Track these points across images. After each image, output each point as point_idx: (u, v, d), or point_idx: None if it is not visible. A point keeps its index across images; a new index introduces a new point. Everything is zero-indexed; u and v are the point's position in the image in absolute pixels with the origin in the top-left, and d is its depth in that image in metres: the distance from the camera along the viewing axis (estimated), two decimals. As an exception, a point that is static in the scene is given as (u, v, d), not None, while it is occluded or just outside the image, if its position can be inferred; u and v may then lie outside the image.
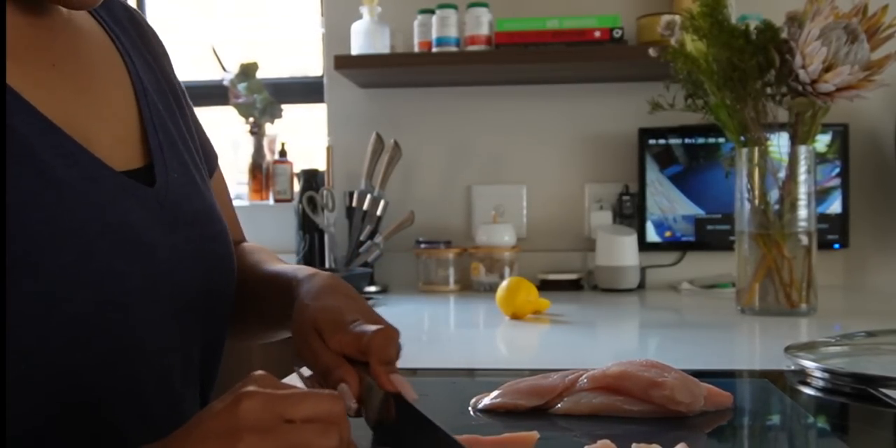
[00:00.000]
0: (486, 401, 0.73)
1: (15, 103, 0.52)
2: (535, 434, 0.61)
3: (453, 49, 1.81)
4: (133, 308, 0.56)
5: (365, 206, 1.89)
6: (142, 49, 0.71)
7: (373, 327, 0.59)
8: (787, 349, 0.94)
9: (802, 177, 1.41)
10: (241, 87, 2.10)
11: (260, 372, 0.47)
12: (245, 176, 2.13)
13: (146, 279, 0.58)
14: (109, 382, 0.55)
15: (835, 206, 1.84)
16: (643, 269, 1.89)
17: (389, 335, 0.59)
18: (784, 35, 1.38)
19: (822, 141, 1.82)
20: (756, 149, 1.42)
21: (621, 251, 1.82)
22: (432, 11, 1.84)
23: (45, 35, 0.59)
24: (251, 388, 0.45)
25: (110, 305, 0.54)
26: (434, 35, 1.82)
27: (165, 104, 0.69)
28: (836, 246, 1.84)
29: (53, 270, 0.50)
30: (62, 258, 0.51)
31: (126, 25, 0.70)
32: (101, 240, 0.54)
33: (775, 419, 0.75)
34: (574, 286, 1.88)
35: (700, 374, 0.74)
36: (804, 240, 1.41)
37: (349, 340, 0.59)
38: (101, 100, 0.62)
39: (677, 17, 1.48)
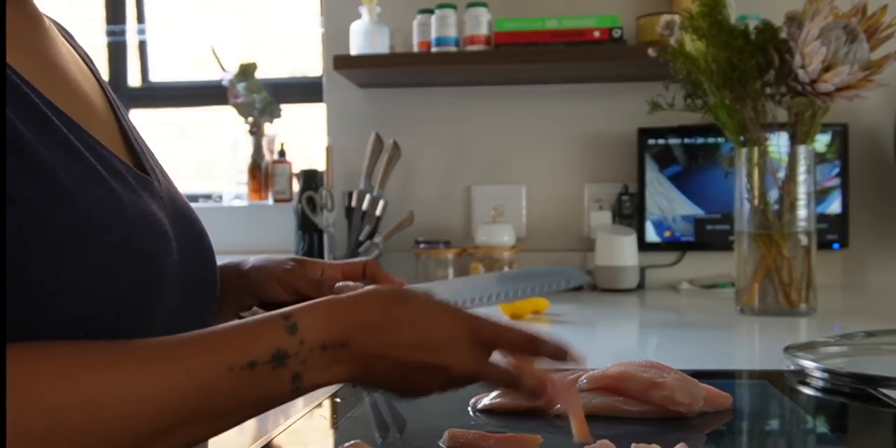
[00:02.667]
0: (486, 401, 0.74)
1: (40, 97, 0.54)
2: (537, 438, 0.61)
3: (453, 49, 1.81)
4: (165, 292, 0.59)
5: (364, 206, 1.89)
6: (94, 65, 0.74)
7: (360, 258, 0.80)
8: (787, 349, 0.94)
9: (802, 177, 1.41)
10: (241, 86, 2.10)
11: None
12: (244, 176, 2.13)
13: (170, 265, 0.60)
14: None
15: (834, 206, 1.84)
16: (643, 269, 1.89)
17: (376, 261, 0.82)
18: (783, 35, 1.38)
19: (822, 141, 1.82)
20: (755, 149, 1.42)
21: (621, 251, 1.82)
22: (431, 11, 1.83)
23: (38, 38, 0.61)
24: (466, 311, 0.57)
25: (150, 287, 0.57)
26: (433, 35, 1.82)
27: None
28: (836, 246, 1.84)
29: (102, 248, 0.52)
30: (110, 237, 0.53)
31: (77, 43, 0.73)
32: (138, 224, 0.57)
33: (775, 420, 0.75)
34: (574, 286, 1.88)
35: (699, 375, 0.74)
36: (804, 240, 1.41)
37: (340, 267, 0.78)
38: (92, 103, 0.64)
39: (677, 17, 1.48)
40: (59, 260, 0.49)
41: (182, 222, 0.67)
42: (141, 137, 0.72)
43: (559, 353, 0.58)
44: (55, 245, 0.49)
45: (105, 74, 2.08)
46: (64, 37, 0.69)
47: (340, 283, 0.73)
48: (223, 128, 2.28)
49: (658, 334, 1.32)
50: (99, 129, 0.62)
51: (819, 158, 1.79)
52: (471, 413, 0.73)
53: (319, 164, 2.00)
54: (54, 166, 0.51)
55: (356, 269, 0.79)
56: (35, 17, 0.62)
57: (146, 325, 0.57)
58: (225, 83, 2.13)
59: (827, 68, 1.30)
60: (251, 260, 0.80)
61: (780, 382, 0.86)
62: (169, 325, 0.61)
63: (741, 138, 1.45)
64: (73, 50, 0.69)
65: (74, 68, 0.65)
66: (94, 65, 0.73)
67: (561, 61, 1.77)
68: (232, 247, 2.04)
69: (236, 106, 2.11)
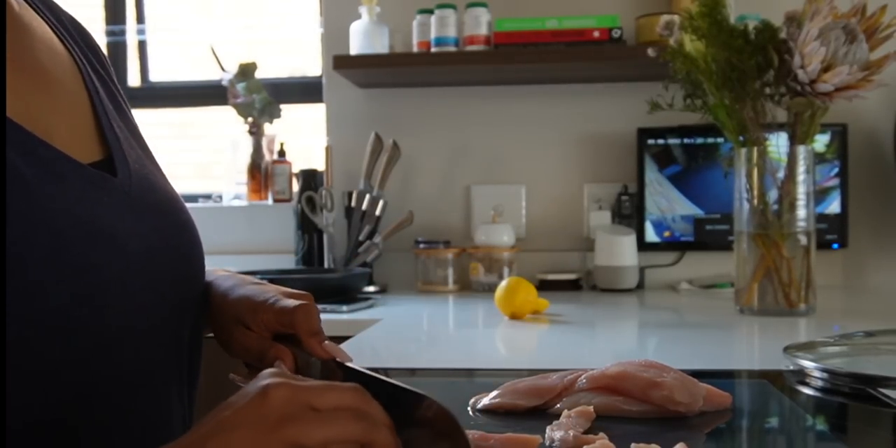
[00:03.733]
0: (486, 401, 0.73)
1: None
2: (537, 438, 0.61)
3: (452, 49, 1.81)
4: (110, 301, 0.56)
5: (364, 206, 1.89)
6: (85, 50, 0.71)
7: (292, 302, 0.64)
8: (786, 349, 0.94)
9: (801, 177, 1.41)
10: (240, 86, 2.10)
11: (273, 369, 0.49)
12: (244, 176, 2.13)
13: (120, 271, 0.57)
14: (91, 379, 0.55)
15: (833, 206, 1.84)
16: (642, 269, 1.89)
17: (308, 308, 0.63)
18: (783, 35, 1.38)
19: (821, 141, 1.83)
20: (755, 149, 1.42)
21: (620, 251, 1.82)
22: (431, 11, 1.84)
23: (5, 24, 0.58)
24: (274, 379, 0.46)
25: (87, 299, 0.54)
26: (433, 35, 1.82)
27: (113, 102, 0.70)
28: (835, 246, 1.84)
29: (28, 264, 0.50)
30: (35, 252, 0.51)
31: (69, 27, 0.71)
32: (73, 232, 0.54)
33: (774, 419, 0.75)
34: (573, 286, 1.88)
35: (699, 375, 0.74)
36: (803, 240, 1.41)
37: (272, 317, 0.64)
38: (57, 94, 0.62)
39: (676, 17, 1.48)
40: None
41: (153, 217, 0.64)
42: (128, 123, 0.69)
43: None
44: None
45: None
46: (44, 15, 0.66)
47: (276, 364, 0.62)
48: (223, 128, 2.28)
49: (658, 334, 1.32)
50: (61, 120, 0.60)
51: (818, 158, 1.79)
52: (471, 413, 0.73)
53: (319, 164, 2.00)
54: None
55: (288, 321, 0.63)
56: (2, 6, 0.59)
57: (89, 340, 0.54)
58: (225, 83, 2.13)
59: (826, 68, 1.30)
60: (212, 296, 0.71)
61: (779, 382, 0.86)
62: (134, 331, 0.59)
63: (741, 138, 1.45)
64: (50, 31, 0.65)
65: (41, 54, 0.62)
66: (76, 45, 0.69)
67: (561, 61, 1.77)
68: (232, 247, 2.04)
69: (236, 106, 2.11)
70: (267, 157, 2.12)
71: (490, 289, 1.75)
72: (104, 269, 0.56)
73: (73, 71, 0.66)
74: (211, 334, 0.74)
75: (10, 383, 0.49)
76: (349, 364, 0.60)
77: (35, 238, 0.51)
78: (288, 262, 1.97)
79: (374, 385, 0.52)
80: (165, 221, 0.66)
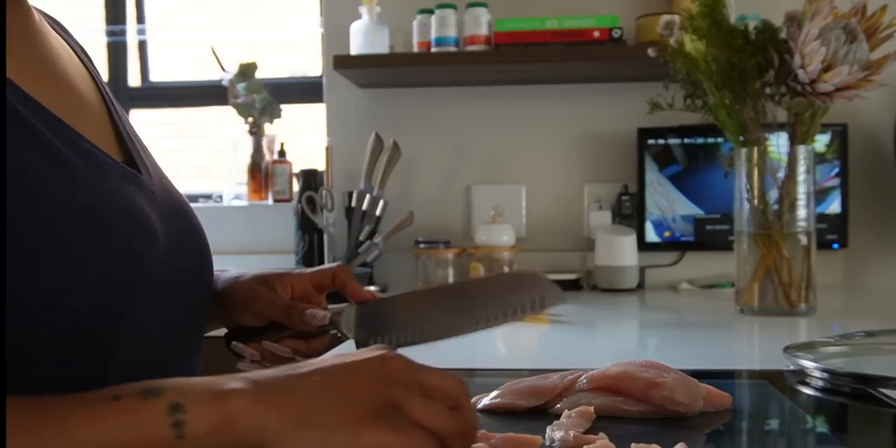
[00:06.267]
0: (486, 401, 0.74)
1: (19, 94, 0.53)
2: (538, 438, 0.61)
3: (452, 49, 1.81)
4: (147, 289, 0.57)
5: (364, 206, 1.89)
6: (88, 58, 0.73)
7: (328, 265, 0.78)
8: (787, 349, 0.94)
9: (801, 177, 1.41)
10: (241, 86, 2.10)
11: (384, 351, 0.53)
12: (244, 176, 2.13)
13: (156, 260, 0.59)
14: (120, 364, 0.56)
15: (834, 206, 1.84)
16: (642, 269, 1.89)
17: (344, 266, 0.78)
18: (783, 35, 1.38)
19: (822, 141, 1.82)
20: (755, 149, 1.42)
21: (620, 251, 1.82)
22: (431, 11, 1.83)
23: (27, 33, 0.61)
24: (388, 351, 0.51)
25: (130, 286, 0.55)
26: (433, 35, 1.82)
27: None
28: (836, 246, 1.84)
29: (76, 244, 0.51)
30: (83, 232, 0.52)
31: (71, 36, 0.73)
32: (116, 219, 0.56)
33: (774, 420, 0.75)
34: (573, 286, 1.88)
35: (699, 375, 0.74)
36: (803, 240, 1.41)
37: (305, 278, 0.77)
38: (80, 101, 0.63)
39: (676, 17, 1.48)
40: (28, 264, 0.48)
41: (175, 217, 0.66)
42: (133, 131, 0.72)
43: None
44: (25, 249, 0.48)
45: (105, 74, 2.08)
46: (57, 30, 0.69)
47: (309, 312, 0.73)
48: (223, 128, 2.28)
49: (658, 334, 1.32)
50: (88, 124, 0.61)
51: (819, 158, 1.79)
52: (471, 413, 0.73)
53: (319, 164, 2.00)
54: (23, 167, 0.50)
55: (325, 278, 0.77)
56: (25, 12, 0.61)
57: (126, 326, 0.55)
58: (225, 83, 2.13)
59: (826, 68, 1.30)
60: (220, 281, 0.79)
61: (779, 382, 0.86)
62: (159, 324, 0.61)
63: (741, 138, 1.45)
64: (65, 44, 0.68)
65: (66, 62, 0.64)
66: (88, 59, 0.72)
67: (561, 61, 1.77)
68: (232, 247, 2.04)
69: (236, 106, 2.11)
70: (267, 157, 2.12)
71: (490, 289, 1.75)
72: (144, 257, 0.57)
73: (90, 80, 0.68)
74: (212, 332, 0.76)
75: (54, 359, 0.50)
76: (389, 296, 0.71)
77: (83, 221, 0.53)
78: (288, 262, 1.97)
79: (408, 299, 0.58)
80: (183, 223, 0.68)
